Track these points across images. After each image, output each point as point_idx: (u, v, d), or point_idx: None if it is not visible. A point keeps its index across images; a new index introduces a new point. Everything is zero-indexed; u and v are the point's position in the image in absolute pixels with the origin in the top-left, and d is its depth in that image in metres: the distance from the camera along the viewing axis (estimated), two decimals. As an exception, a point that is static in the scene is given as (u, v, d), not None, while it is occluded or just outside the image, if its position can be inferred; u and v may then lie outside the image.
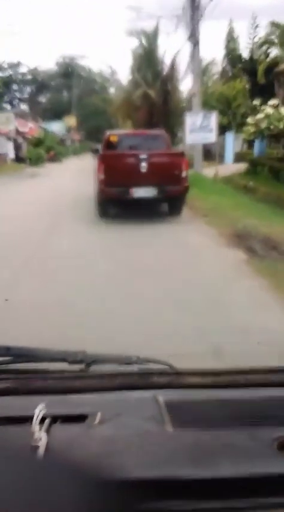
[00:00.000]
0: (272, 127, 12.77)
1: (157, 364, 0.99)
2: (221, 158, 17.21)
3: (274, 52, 22.23)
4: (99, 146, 9.09)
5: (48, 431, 0.72)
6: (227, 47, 28.36)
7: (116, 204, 7.84)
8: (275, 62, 20.01)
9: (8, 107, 39.79)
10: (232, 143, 19.56)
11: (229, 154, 19.37)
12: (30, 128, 31.53)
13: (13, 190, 13.18)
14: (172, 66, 17.14)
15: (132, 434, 0.74)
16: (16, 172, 20.82)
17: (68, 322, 3.13)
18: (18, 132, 28.58)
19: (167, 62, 17.89)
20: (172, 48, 27.30)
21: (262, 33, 24.67)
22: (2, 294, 3.71)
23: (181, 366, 0.99)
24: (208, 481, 0.63)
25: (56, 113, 43.62)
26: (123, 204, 7.74)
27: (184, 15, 14.04)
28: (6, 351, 0.96)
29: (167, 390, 0.89)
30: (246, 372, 0.95)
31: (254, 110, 14.99)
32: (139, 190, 7.33)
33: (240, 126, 19.32)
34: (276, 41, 21.63)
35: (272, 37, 21.62)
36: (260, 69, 20.53)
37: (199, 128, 12.40)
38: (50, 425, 0.74)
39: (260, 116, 13.10)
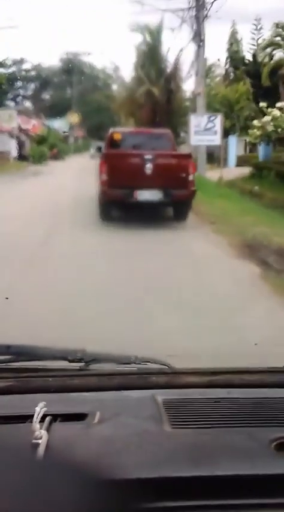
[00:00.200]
0: (280, 130, 12.39)
1: (155, 363, 0.99)
2: (224, 162, 16.85)
3: (278, 54, 21.87)
4: (102, 144, 8.64)
5: (48, 429, 0.71)
6: (229, 49, 28.05)
7: (119, 206, 7.43)
8: (279, 65, 19.74)
9: (12, 104, 39.21)
10: (235, 146, 19.22)
11: (232, 158, 19.05)
12: (33, 125, 31.12)
13: (15, 190, 12.79)
14: (176, 64, 16.80)
15: (130, 433, 0.74)
16: (19, 170, 20.48)
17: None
18: (21, 129, 28.12)
19: (171, 59, 17.60)
20: (176, 45, 26.91)
21: (265, 35, 24.38)
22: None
23: (179, 365, 0.99)
24: (206, 480, 0.64)
25: (59, 109, 43.16)
26: (126, 207, 7.30)
27: (189, 13, 13.66)
28: (7, 349, 0.96)
29: (165, 390, 0.90)
30: (244, 372, 0.97)
31: (260, 113, 14.63)
32: (143, 192, 6.91)
33: (244, 129, 18.98)
34: (281, 43, 21.27)
35: (277, 39, 21.25)
36: (265, 71, 20.19)
37: (203, 130, 12.08)
38: (50, 423, 0.73)
39: (266, 118, 12.72)
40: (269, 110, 13.14)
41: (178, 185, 6.98)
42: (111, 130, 8.56)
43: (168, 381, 0.94)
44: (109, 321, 3.22)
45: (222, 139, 13.44)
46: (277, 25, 21.24)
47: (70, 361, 0.95)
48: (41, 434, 0.68)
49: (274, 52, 22.21)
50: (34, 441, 0.67)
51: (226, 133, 18.62)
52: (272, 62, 21.23)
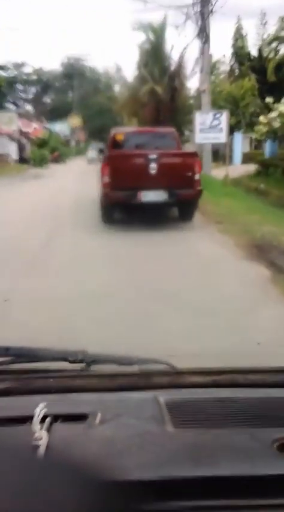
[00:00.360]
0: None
1: (157, 364, 0.98)
2: (229, 159, 16.64)
3: (283, 49, 21.53)
4: (102, 145, 8.51)
5: (49, 430, 0.71)
6: (234, 45, 27.76)
7: (122, 208, 7.26)
8: (285, 60, 19.40)
9: (12, 107, 39.22)
10: (241, 144, 18.97)
11: (237, 155, 18.82)
12: (34, 128, 31.25)
13: (14, 192, 12.70)
14: (180, 62, 16.58)
15: (132, 434, 0.73)
16: (19, 173, 20.49)
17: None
18: (21, 132, 28.22)
19: (174, 57, 17.40)
20: (180, 42, 26.66)
21: (271, 30, 24.05)
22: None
23: (181, 366, 0.98)
24: (208, 481, 0.63)
25: (61, 113, 43.19)
26: (129, 208, 7.13)
27: (194, 9, 13.45)
28: (6, 351, 0.95)
29: (167, 390, 0.89)
30: (246, 372, 0.96)
31: (265, 109, 14.38)
32: (147, 193, 6.72)
33: (249, 126, 18.72)
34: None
35: (283, 33, 20.92)
36: (270, 66, 19.89)
37: (209, 128, 11.86)
38: (51, 424, 0.73)
39: (273, 114, 12.48)
40: (276, 105, 12.90)
41: (184, 185, 6.79)
42: (113, 130, 8.37)
43: (170, 381, 0.93)
44: (112, 321, 3.12)
45: (228, 137, 13.24)
46: (282, 19, 20.92)
47: (71, 362, 0.94)
48: (41, 435, 0.68)
49: (279, 47, 21.90)
50: (34, 442, 0.67)
51: (232, 130, 18.40)
52: (277, 56, 20.93)
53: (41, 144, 28.95)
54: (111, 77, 39.43)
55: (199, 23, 13.54)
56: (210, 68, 14.98)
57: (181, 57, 16.51)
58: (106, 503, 0.53)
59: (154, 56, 17.55)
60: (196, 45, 14.15)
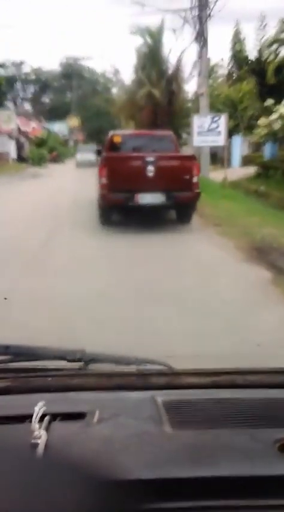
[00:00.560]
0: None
1: (155, 364, 0.98)
2: (227, 162, 16.59)
3: (283, 51, 21.51)
4: (95, 147, 8.48)
5: (47, 428, 0.71)
6: (233, 48, 27.77)
7: (120, 210, 7.21)
8: (285, 61, 19.35)
9: (11, 105, 39.22)
10: (239, 146, 18.92)
11: (236, 158, 18.75)
12: (33, 127, 31.26)
13: (13, 191, 12.68)
14: (178, 65, 16.56)
15: (130, 434, 0.73)
16: (18, 172, 20.48)
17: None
18: (20, 131, 28.19)
19: (172, 60, 17.36)
20: (178, 46, 26.62)
21: (269, 34, 24.04)
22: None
23: (180, 366, 0.98)
24: (206, 481, 0.63)
25: (59, 113, 43.26)
26: (127, 210, 7.07)
27: (192, 13, 13.44)
28: (5, 349, 0.95)
29: (165, 391, 0.89)
30: (245, 373, 0.95)
31: (265, 111, 14.33)
32: (145, 196, 6.66)
33: (248, 129, 18.68)
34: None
35: (283, 35, 20.89)
36: (270, 69, 19.84)
37: (207, 131, 11.78)
38: (49, 423, 0.73)
39: (273, 116, 12.40)
40: (276, 107, 12.84)
41: (182, 187, 6.73)
42: (110, 133, 8.33)
43: (168, 381, 0.93)
44: (111, 321, 3.08)
45: (226, 140, 13.17)
46: (283, 21, 20.90)
47: (69, 361, 0.95)
48: (40, 433, 0.68)
49: (279, 49, 21.88)
50: (33, 441, 0.67)
51: (230, 133, 18.37)
52: (277, 59, 20.90)
53: (40, 143, 28.96)
54: (109, 79, 39.59)
55: (197, 27, 13.53)
56: (208, 71, 14.95)
57: (179, 61, 16.53)
58: (105, 502, 0.53)
59: (151, 59, 17.54)
60: (194, 48, 14.14)
